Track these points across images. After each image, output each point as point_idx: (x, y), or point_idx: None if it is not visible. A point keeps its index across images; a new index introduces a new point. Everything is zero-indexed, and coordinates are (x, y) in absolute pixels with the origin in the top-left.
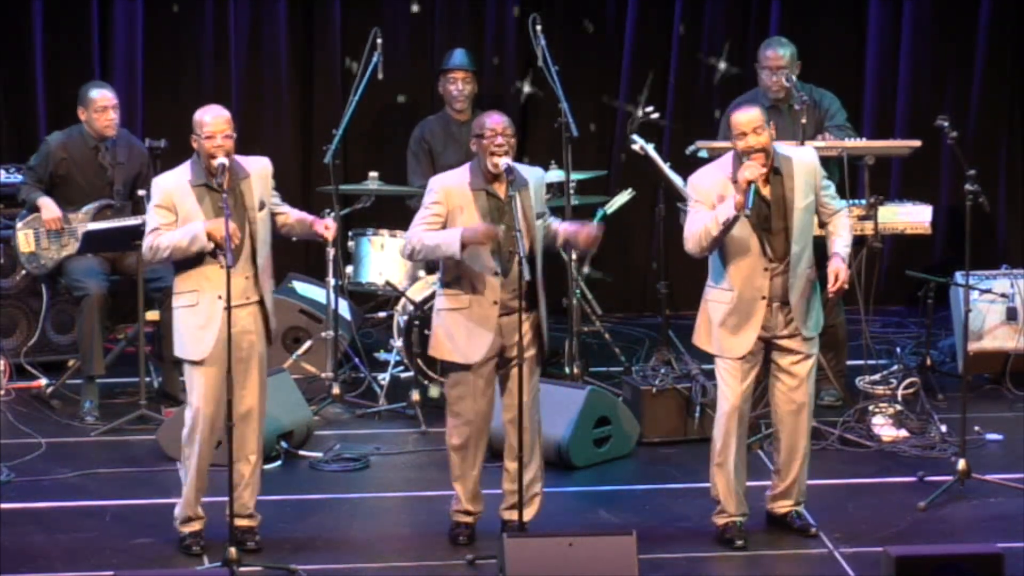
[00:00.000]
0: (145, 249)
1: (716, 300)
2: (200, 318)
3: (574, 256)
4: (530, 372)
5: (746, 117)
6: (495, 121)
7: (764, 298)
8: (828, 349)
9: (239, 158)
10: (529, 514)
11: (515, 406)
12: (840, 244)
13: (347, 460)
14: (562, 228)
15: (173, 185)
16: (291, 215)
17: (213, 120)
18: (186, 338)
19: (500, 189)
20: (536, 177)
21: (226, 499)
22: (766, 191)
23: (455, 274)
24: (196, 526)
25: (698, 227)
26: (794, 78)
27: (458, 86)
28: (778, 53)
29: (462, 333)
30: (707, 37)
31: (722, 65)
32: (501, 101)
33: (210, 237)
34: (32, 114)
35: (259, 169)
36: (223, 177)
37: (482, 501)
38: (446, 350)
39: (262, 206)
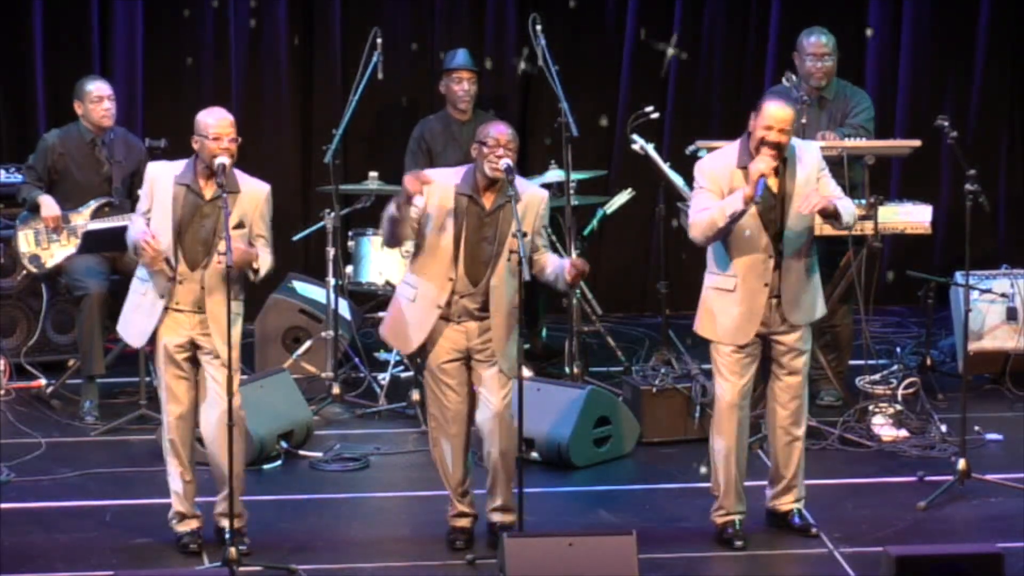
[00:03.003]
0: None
1: (720, 287)
2: (143, 311)
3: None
4: (499, 373)
5: (782, 113)
6: (499, 131)
7: (767, 285)
8: (830, 350)
9: (239, 174)
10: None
11: (487, 410)
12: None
13: (347, 460)
14: (551, 266)
15: (160, 174)
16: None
17: (218, 122)
18: (128, 317)
19: (488, 199)
20: (535, 198)
21: (216, 499)
22: (774, 183)
23: (417, 269)
24: (192, 524)
25: (704, 216)
26: (794, 78)
27: (463, 86)
28: (821, 40)
29: (404, 323)
30: (707, 37)
31: (670, 51)
32: (501, 102)
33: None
34: (32, 114)
35: (253, 191)
36: (223, 177)
37: (473, 502)
38: (389, 333)
39: (240, 225)
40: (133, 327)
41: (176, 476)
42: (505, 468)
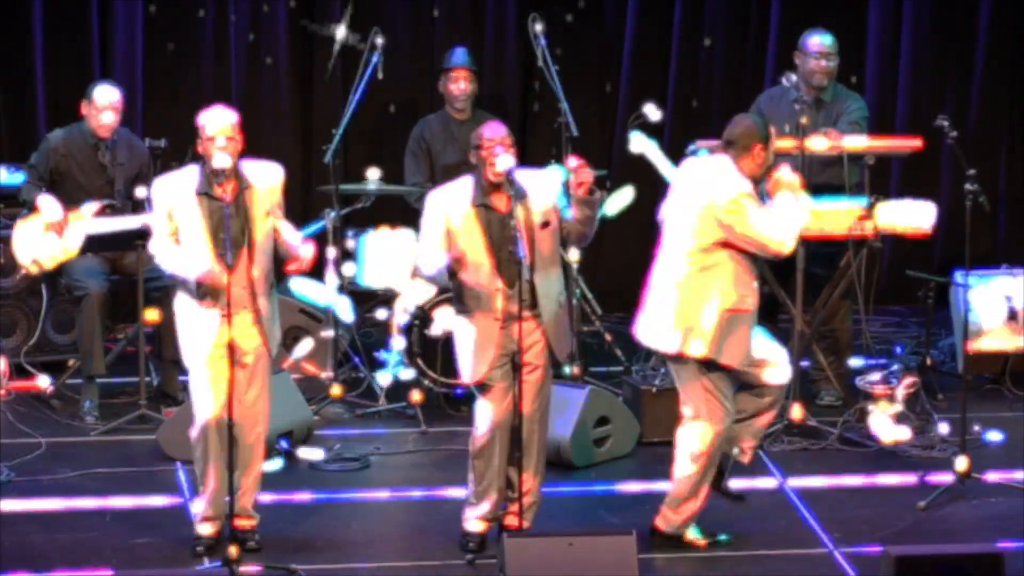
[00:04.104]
0: (151, 249)
1: (741, 308)
2: (198, 325)
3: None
4: (539, 381)
5: None
6: (494, 132)
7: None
8: (830, 352)
9: (248, 164)
10: (525, 523)
11: (518, 412)
12: None
13: (347, 460)
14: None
15: (174, 192)
16: (282, 232)
17: (216, 122)
18: (185, 342)
19: (500, 200)
20: (542, 195)
21: (225, 499)
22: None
23: (461, 290)
24: (211, 529)
25: (792, 227)
26: (794, 78)
27: (460, 85)
28: (825, 40)
29: (468, 352)
30: (707, 37)
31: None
32: (502, 101)
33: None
34: (32, 114)
35: (268, 178)
36: (223, 178)
37: (499, 508)
38: (463, 374)
39: (265, 216)
40: (192, 347)
41: (211, 477)
42: (535, 470)
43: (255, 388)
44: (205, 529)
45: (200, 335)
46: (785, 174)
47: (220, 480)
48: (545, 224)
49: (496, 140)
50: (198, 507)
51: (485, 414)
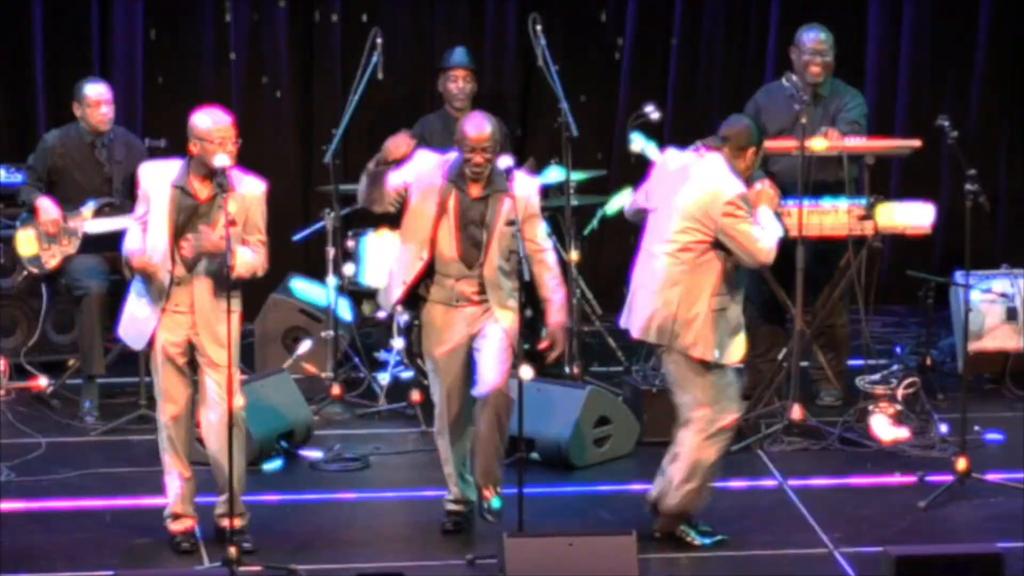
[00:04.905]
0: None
1: (725, 307)
2: (144, 311)
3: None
4: (496, 357)
5: None
6: (475, 134)
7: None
8: (828, 349)
9: (234, 171)
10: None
11: (482, 386)
12: None
13: (347, 460)
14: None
15: (155, 179)
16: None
17: (218, 127)
18: (128, 320)
19: (475, 188)
20: (524, 192)
21: (218, 499)
22: None
23: (400, 239)
24: (186, 524)
25: (775, 241)
26: (794, 78)
27: (459, 84)
28: (820, 37)
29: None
30: (707, 37)
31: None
32: (502, 100)
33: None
34: (32, 114)
35: (248, 190)
36: (224, 178)
37: (463, 493)
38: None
39: (231, 223)
40: (133, 330)
41: (175, 475)
42: (490, 440)
43: (210, 392)
44: (176, 527)
45: (141, 322)
46: (768, 187)
47: (180, 477)
48: (510, 223)
49: (477, 146)
50: (166, 510)
51: (438, 396)
